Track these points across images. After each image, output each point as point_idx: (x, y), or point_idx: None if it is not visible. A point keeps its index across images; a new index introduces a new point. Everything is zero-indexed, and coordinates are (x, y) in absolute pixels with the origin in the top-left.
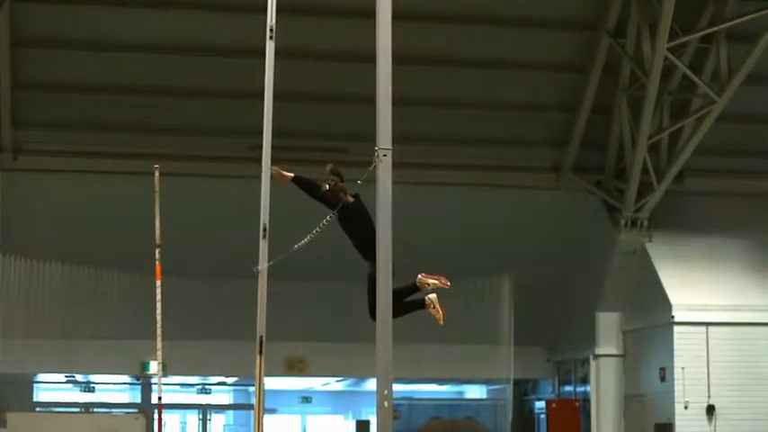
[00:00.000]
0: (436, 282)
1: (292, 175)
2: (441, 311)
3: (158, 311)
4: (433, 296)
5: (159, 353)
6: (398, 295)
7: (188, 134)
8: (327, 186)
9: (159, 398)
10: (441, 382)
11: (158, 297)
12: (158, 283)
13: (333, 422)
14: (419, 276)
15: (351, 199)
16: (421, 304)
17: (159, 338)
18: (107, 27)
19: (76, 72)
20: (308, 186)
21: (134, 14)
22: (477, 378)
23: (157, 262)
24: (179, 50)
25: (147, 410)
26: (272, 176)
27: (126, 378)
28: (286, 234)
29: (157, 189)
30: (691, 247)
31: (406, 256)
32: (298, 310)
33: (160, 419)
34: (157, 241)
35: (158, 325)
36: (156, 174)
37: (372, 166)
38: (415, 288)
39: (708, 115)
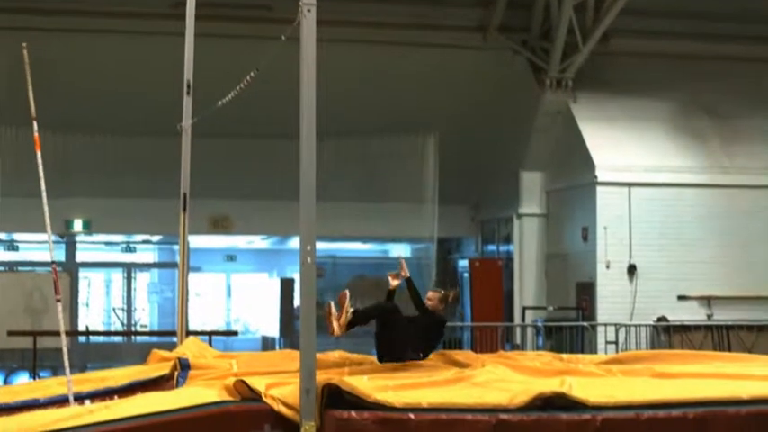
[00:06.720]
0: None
1: (408, 275)
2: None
3: (41, 178)
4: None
5: (47, 217)
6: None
7: None
8: (430, 303)
9: (52, 261)
10: (365, 240)
11: (40, 166)
12: (38, 153)
13: (257, 280)
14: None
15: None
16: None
17: (45, 204)
18: None
19: None
20: (413, 291)
21: None
22: (401, 236)
23: (35, 134)
24: None
25: (71, 269)
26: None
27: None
28: (210, 91)
29: (27, 64)
30: (615, 108)
31: (329, 116)
32: (222, 168)
33: (56, 281)
34: (33, 115)
35: (43, 191)
36: (25, 52)
37: (296, 22)
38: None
39: None
